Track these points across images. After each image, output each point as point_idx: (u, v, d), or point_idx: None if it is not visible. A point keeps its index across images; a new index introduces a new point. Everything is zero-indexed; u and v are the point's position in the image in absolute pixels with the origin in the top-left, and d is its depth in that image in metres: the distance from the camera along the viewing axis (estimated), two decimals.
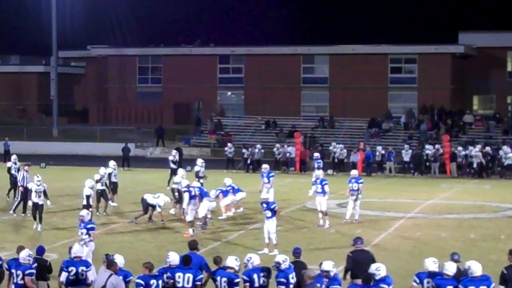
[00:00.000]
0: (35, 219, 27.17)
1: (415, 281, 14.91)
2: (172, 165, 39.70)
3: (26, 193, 30.47)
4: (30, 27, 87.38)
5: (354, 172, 30.42)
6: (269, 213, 23.51)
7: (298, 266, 15.54)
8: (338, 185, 35.92)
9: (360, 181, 29.54)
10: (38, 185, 27.32)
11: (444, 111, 63.47)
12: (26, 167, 31.69)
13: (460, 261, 15.52)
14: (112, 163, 34.09)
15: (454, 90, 68.84)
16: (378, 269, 14.71)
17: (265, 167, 32.83)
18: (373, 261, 16.64)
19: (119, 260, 15.36)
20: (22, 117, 76.91)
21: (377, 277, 14.58)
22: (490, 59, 69.48)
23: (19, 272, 15.58)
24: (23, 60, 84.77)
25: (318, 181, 28.74)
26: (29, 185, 28.24)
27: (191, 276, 15.10)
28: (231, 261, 15.24)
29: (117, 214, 30.55)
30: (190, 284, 15.06)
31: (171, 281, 15.15)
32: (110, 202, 31.67)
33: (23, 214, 29.88)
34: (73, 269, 15.87)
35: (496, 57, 69.86)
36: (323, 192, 28.31)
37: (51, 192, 28.55)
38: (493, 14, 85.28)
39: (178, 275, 15.13)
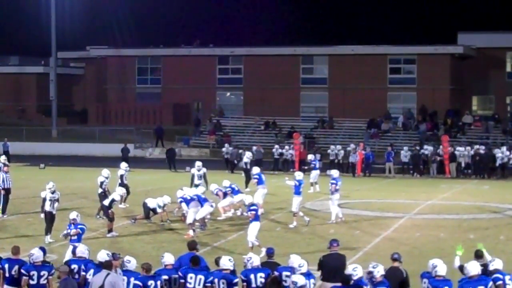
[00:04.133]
0: (47, 231, 25.20)
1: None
2: (247, 167, 40.44)
3: (8, 194, 30.36)
4: (29, 27, 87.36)
5: (332, 172, 30.53)
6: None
7: (271, 267, 15.59)
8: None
9: (332, 181, 29.55)
10: (52, 193, 25.45)
11: (436, 114, 63.36)
12: (5, 168, 31.33)
13: (401, 261, 15.43)
14: (123, 164, 33.95)
15: (453, 91, 68.85)
16: (355, 269, 14.69)
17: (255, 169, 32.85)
18: (344, 266, 16.54)
19: (133, 262, 15.41)
20: (21, 117, 76.87)
21: (355, 277, 14.55)
22: (489, 60, 69.50)
23: (43, 272, 15.46)
24: (22, 61, 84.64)
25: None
26: (43, 194, 25.93)
27: (202, 277, 15.13)
28: (226, 262, 15.28)
29: (116, 215, 30.47)
30: (201, 286, 15.09)
31: (182, 281, 15.17)
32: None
33: (1, 215, 29.76)
34: (75, 267, 15.91)
35: (495, 57, 69.87)
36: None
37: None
38: (493, 15, 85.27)
39: (190, 275, 15.16)
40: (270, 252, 16.41)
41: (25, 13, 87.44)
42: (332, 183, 29.44)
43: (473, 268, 14.41)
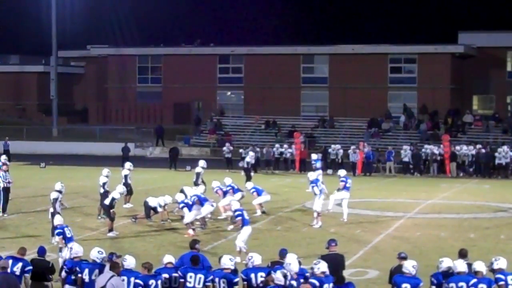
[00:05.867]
0: (53, 232, 24.35)
1: (432, 282, 14.94)
2: (248, 166, 40.54)
3: (7, 193, 30.34)
4: (30, 27, 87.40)
5: (339, 172, 30.83)
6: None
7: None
8: (336, 184, 35.87)
9: (342, 178, 29.73)
10: (62, 193, 25.50)
11: (436, 113, 63.32)
12: (4, 167, 31.35)
13: (406, 258, 15.65)
14: (128, 164, 33.88)
15: (453, 90, 68.85)
16: (316, 263, 14.78)
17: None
18: (343, 266, 16.85)
19: (130, 261, 15.42)
20: (22, 116, 76.91)
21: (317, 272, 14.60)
22: (489, 59, 69.48)
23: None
24: (23, 60, 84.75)
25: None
26: (53, 195, 25.55)
27: (202, 276, 15.14)
28: (226, 261, 15.31)
29: (118, 214, 30.47)
30: (201, 285, 15.10)
31: (181, 280, 15.17)
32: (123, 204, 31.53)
33: (1, 214, 29.82)
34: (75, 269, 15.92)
35: (495, 57, 69.86)
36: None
37: (51, 192, 28.30)
38: (493, 14, 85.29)
39: (190, 275, 15.16)
40: (283, 253, 16.29)
41: (26, 12, 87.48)
42: (342, 181, 29.50)
43: (459, 265, 14.78)
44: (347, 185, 29.50)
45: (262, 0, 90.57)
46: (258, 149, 50.79)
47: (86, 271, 15.58)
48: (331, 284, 14.43)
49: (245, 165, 42.29)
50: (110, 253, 15.98)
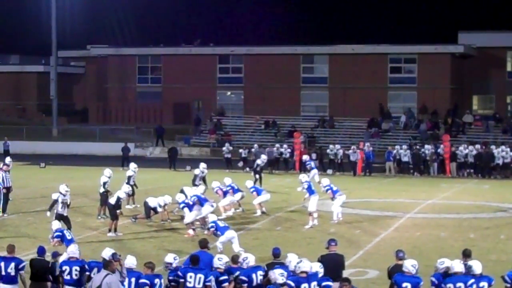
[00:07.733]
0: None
1: (432, 282, 14.90)
2: (257, 168, 40.59)
3: (7, 193, 30.33)
4: (30, 27, 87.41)
5: (322, 181, 30.65)
6: None
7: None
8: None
9: (326, 187, 29.52)
10: (65, 196, 25.31)
11: (436, 113, 63.30)
12: (5, 167, 31.36)
13: (404, 258, 15.70)
14: (133, 165, 33.88)
15: (453, 90, 68.83)
16: (321, 267, 14.82)
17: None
18: (342, 266, 16.95)
19: (131, 260, 15.43)
20: (22, 116, 76.87)
21: (320, 275, 14.61)
22: (490, 59, 69.46)
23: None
24: (23, 60, 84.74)
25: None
26: (55, 196, 25.55)
27: (202, 276, 15.18)
28: (216, 261, 15.52)
29: (120, 215, 30.45)
30: (201, 285, 15.15)
31: (181, 280, 15.20)
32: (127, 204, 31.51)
33: (1, 214, 29.78)
34: (67, 269, 15.96)
35: (496, 57, 69.85)
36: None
37: (51, 192, 28.30)
38: (493, 14, 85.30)
39: (190, 275, 15.21)
40: (276, 252, 16.36)
41: (26, 12, 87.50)
42: (327, 190, 29.34)
43: (456, 265, 14.82)
44: (334, 189, 29.39)
45: (262, 0, 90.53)
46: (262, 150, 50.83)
47: (95, 270, 15.65)
48: (314, 283, 14.32)
49: (257, 168, 42.10)
50: (112, 254, 16.00)
